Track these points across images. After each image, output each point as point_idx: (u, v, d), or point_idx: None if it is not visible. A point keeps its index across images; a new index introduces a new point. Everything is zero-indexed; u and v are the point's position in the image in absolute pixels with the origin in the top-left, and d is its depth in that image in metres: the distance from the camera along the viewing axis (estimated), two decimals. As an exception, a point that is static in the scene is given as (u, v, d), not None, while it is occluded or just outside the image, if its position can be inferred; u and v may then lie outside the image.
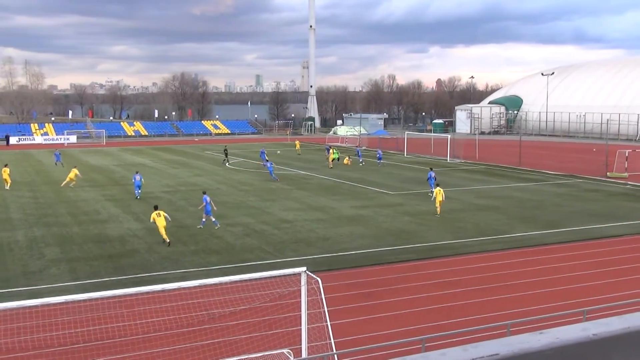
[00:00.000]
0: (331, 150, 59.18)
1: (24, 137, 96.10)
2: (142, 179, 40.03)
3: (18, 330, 15.50)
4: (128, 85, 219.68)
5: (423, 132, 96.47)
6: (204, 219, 30.09)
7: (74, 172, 44.21)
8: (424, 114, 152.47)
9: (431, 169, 41.89)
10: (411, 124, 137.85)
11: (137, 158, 67.51)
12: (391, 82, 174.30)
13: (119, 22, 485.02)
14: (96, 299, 15.58)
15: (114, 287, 19.47)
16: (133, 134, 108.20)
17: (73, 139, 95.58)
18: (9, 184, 43.72)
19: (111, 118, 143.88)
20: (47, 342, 15.25)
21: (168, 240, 26.34)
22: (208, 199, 30.15)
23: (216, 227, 29.49)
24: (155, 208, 27.72)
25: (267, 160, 51.83)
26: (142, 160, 64.02)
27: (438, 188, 33.37)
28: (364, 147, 67.79)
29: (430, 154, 67.90)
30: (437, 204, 32.85)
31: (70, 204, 36.72)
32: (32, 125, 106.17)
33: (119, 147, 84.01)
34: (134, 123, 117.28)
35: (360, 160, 58.20)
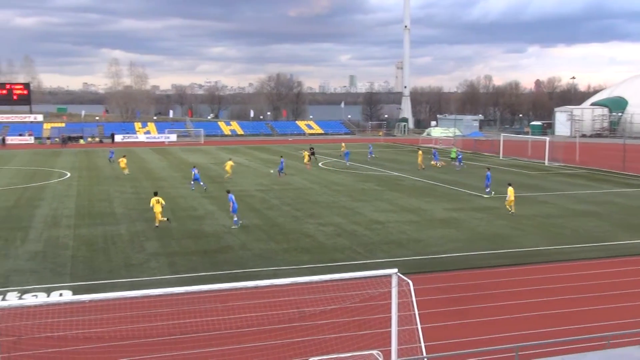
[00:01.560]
0: (447, 152, 58.31)
1: (128, 135, 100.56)
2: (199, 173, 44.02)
3: (119, 320, 16.26)
4: (225, 86, 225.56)
5: (520, 134, 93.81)
6: (235, 219, 30.44)
7: (229, 164, 49.17)
8: (521, 115, 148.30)
9: (488, 169, 42.83)
10: (507, 126, 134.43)
11: (233, 157, 69.20)
12: (487, 82, 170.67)
13: (218, 24, 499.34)
14: (193, 293, 16.11)
15: (209, 281, 20.06)
16: (230, 133, 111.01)
17: (173, 137, 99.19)
18: (126, 171, 51.23)
19: (209, 117, 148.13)
20: (147, 333, 15.92)
21: (165, 219, 30.27)
22: (233, 197, 30.86)
23: (233, 227, 29.90)
24: (155, 194, 31.08)
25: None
26: (237, 159, 65.61)
27: (510, 187, 33.91)
28: (457, 149, 66.48)
29: (527, 156, 65.93)
30: (510, 203, 33.61)
31: (170, 200, 38.07)
32: (135, 123, 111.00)
33: (216, 146, 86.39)
34: (231, 122, 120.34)
35: (437, 164, 56.85)
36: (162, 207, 30.61)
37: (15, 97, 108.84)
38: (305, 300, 17.41)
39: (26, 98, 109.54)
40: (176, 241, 27.24)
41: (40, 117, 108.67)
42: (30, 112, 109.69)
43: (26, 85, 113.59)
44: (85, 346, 15.14)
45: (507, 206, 33.84)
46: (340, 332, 16.29)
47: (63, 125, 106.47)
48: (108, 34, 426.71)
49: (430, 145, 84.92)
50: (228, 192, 32.30)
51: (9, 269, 22.66)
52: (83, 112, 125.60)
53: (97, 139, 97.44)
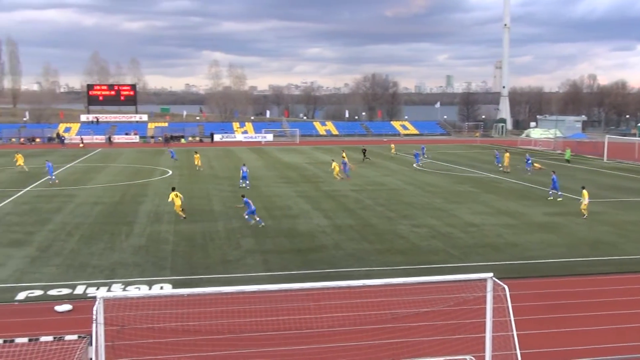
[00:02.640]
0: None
1: (226, 134, 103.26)
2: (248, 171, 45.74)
3: (215, 314, 16.71)
4: (321, 86, 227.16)
5: (626, 136, 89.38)
6: (257, 219, 30.46)
7: (335, 166, 49.43)
8: (627, 116, 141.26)
9: (554, 172, 41.12)
10: (613, 127, 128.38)
11: (327, 157, 69.68)
12: (592, 82, 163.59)
13: (315, 25, 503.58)
14: (286, 291, 16.38)
15: (302, 280, 20.32)
16: (325, 133, 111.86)
17: (270, 137, 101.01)
18: (200, 167, 55.56)
19: (304, 118, 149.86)
20: (241, 328, 16.29)
21: (184, 216, 31.87)
22: (249, 200, 30.87)
23: (261, 225, 30.10)
24: (173, 189, 33.00)
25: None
26: (330, 159, 65.99)
27: (584, 191, 32.83)
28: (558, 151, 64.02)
29: (634, 159, 62.79)
30: (584, 207, 32.63)
31: (265, 199, 38.81)
32: (233, 123, 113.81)
33: (311, 146, 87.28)
34: (326, 123, 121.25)
35: (528, 170, 53.98)
36: (181, 200, 32.38)
37: (122, 97, 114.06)
38: (398, 301, 17.30)
39: (132, 99, 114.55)
40: (271, 239, 27.72)
41: (145, 117, 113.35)
42: (136, 112, 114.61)
43: (133, 87, 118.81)
44: (183, 338, 15.66)
45: (582, 210, 32.65)
46: (432, 335, 16.08)
47: (166, 125, 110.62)
48: (209, 37, 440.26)
49: (529, 147, 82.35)
50: (243, 196, 32.09)
51: (115, 262, 23.78)
52: (184, 113, 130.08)
53: (197, 139, 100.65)
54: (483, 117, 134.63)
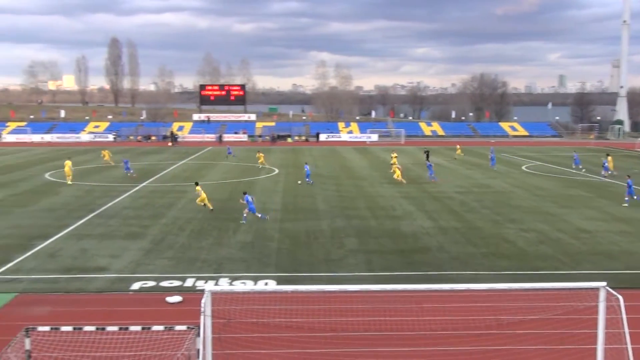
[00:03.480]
0: None
1: (331, 134, 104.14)
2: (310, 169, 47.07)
3: (318, 312, 16.88)
4: (428, 86, 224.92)
5: None
6: (260, 215, 31.39)
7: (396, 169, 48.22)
8: None
9: (629, 177, 38.80)
10: None
11: (433, 158, 68.80)
12: None
13: (423, 25, 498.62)
14: (388, 292, 16.31)
15: (405, 281, 20.18)
16: (430, 133, 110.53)
17: (374, 137, 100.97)
18: (263, 164, 57.17)
19: (410, 118, 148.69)
20: (342, 327, 16.37)
21: (212, 208, 33.62)
22: (250, 197, 31.62)
23: (263, 219, 31.38)
24: (197, 184, 34.82)
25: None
26: (436, 160, 65.10)
27: None
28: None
29: None
30: None
31: (369, 199, 38.82)
32: (339, 123, 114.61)
33: (416, 147, 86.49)
34: (432, 123, 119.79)
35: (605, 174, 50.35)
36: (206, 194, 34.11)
37: (232, 97, 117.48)
38: (503, 307, 16.82)
39: (242, 99, 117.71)
40: (374, 239, 27.69)
41: (253, 117, 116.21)
42: (245, 111, 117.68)
43: (242, 87, 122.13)
44: (286, 334, 15.91)
45: None
46: (539, 344, 15.53)
47: (273, 124, 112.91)
48: (317, 37, 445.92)
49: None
50: (245, 193, 32.63)
51: (222, 257, 24.53)
52: (291, 112, 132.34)
53: (303, 138, 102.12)
54: (598, 118, 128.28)
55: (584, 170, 55.17)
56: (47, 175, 50.94)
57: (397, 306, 17.43)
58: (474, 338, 15.95)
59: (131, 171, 50.94)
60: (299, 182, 46.94)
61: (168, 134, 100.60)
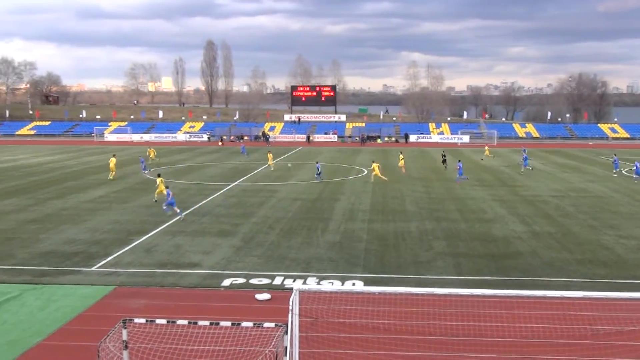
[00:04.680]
0: None
1: (421, 135, 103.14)
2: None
3: (405, 315, 16.76)
4: (522, 87, 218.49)
5: None
6: (178, 210, 32.54)
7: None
8: None
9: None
10: None
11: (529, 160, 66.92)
12: None
13: (519, 23, 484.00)
14: (477, 296, 15.99)
15: (495, 286, 19.71)
16: (524, 135, 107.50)
17: (466, 138, 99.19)
18: (271, 165, 56.54)
19: (503, 119, 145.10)
20: (429, 330, 16.18)
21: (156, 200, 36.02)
22: (171, 193, 33.18)
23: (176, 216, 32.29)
24: (159, 176, 37.94)
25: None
26: (530, 163, 63.28)
27: None
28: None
29: None
30: None
31: (459, 201, 38.17)
32: (429, 124, 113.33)
33: (509, 149, 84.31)
34: (526, 124, 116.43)
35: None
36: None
37: (323, 98, 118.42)
38: (598, 317, 16.15)
39: (332, 99, 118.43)
40: (464, 242, 27.21)
41: (343, 117, 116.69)
42: (335, 112, 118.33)
43: (333, 88, 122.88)
44: (372, 335, 15.90)
45: None
46: (637, 357, 14.79)
47: (363, 125, 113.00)
48: (408, 37, 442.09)
49: None
50: (167, 187, 34.54)
51: (311, 256, 24.76)
52: (382, 113, 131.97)
53: (392, 139, 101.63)
54: None
55: None
56: (146, 174, 53.00)
57: (486, 311, 17.06)
58: (567, 347, 15.39)
59: (147, 171, 52.80)
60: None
61: (260, 134, 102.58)
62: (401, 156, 56.91)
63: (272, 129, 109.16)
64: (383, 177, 47.78)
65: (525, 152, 60.26)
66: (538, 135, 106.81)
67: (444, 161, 58.82)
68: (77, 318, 17.78)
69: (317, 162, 51.23)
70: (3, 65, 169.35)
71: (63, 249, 25.94)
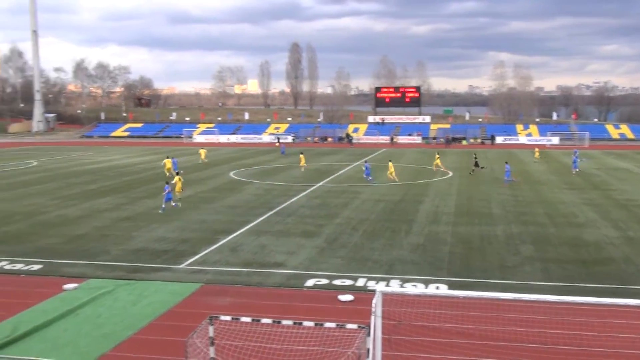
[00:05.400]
0: None
1: (508, 137, 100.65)
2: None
3: (489, 320, 16.41)
4: (616, 86, 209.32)
5: None
6: (173, 204, 35.85)
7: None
8: None
9: None
10: None
11: (620, 162, 64.15)
12: None
13: (612, 20, 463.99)
14: (567, 303, 15.44)
15: (585, 293, 18.98)
16: (618, 137, 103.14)
17: (555, 140, 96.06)
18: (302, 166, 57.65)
19: (595, 120, 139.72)
20: (514, 337, 15.78)
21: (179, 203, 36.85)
22: (169, 188, 35.81)
23: (173, 206, 35.73)
24: (177, 173, 41.01)
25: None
26: (625, 165, 60.61)
27: None
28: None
29: None
30: None
31: (548, 205, 37.03)
32: (516, 125, 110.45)
33: (601, 150, 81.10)
34: (620, 126, 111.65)
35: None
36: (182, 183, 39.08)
37: (407, 99, 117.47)
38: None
39: (417, 100, 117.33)
40: (553, 247, 26.36)
41: (427, 119, 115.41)
42: (420, 113, 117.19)
43: (417, 89, 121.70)
44: (456, 340, 15.66)
45: None
46: None
47: (448, 126, 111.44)
48: (495, 37, 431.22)
49: None
50: (167, 182, 37.23)
51: (394, 258, 24.64)
52: (467, 114, 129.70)
53: (478, 140, 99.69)
54: None
55: None
56: (231, 174, 54.21)
57: (576, 319, 16.46)
58: (664, 360, 14.66)
59: (181, 171, 52.83)
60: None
61: (344, 135, 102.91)
62: (437, 156, 58.23)
63: (355, 130, 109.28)
64: (395, 177, 48.71)
65: (576, 154, 57.45)
66: (633, 137, 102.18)
67: (476, 164, 55.99)
68: (166, 313, 18.39)
69: (365, 162, 50.71)
70: (99, 70, 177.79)
71: (154, 246, 26.90)
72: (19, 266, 23.76)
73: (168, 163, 54.10)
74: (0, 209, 36.96)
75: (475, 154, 60.79)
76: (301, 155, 59.53)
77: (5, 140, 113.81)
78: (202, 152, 67.36)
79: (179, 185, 38.51)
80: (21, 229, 31.01)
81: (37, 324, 17.33)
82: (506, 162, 51.48)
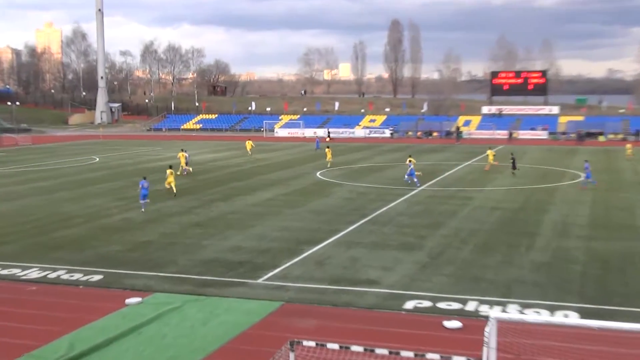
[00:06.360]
0: None
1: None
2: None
3: (629, 358, 15.74)
4: None
5: None
6: (142, 202, 37.61)
7: None
8: None
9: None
10: None
11: None
12: None
13: None
14: None
15: None
16: None
17: None
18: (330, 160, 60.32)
19: None
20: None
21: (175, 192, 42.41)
22: (145, 184, 37.61)
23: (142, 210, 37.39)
24: (170, 167, 44.31)
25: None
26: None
27: None
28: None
29: None
30: None
31: None
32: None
33: None
34: None
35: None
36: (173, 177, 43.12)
37: (530, 86, 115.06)
38: None
39: (542, 87, 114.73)
40: None
41: (555, 109, 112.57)
42: (546, 103, 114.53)
43: (543, 73, 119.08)
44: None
45: None
46: None
47: (581, 118, 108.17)
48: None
49: None
50: (144, 177, 39.14)
51: (511, 278, 24.07)
52: (604, 104, 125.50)
53: (619, 136, 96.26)
54: None
55: None
56: (318, 174, 54.66)
57: None
58: None
59: (190, 169, 55.84)
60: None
61: (452, 129, 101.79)
62: (491, 152, 58.01)
63: (466, 123, 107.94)
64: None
65: None
66: None
67: (514, 165, 54.08)
68: (240, 336, 18.66)
69: (409, 160, 49.47)
70: (170, 53, 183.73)
71: (227, 257, 27.42)
72: (77, 276, 24.77)
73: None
74: (58, 210, 38.77)
75: (512, 153, 58.69)
76: (327, 149, 61.48)
77: (65, 133, 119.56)
78: (249, 143, 70.66)
79: (170, 179, 42.32)
80: (81, 233, 32.37)
81: (96, 342, 17.96)
82: (586, 160, 50.19)
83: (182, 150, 58.67)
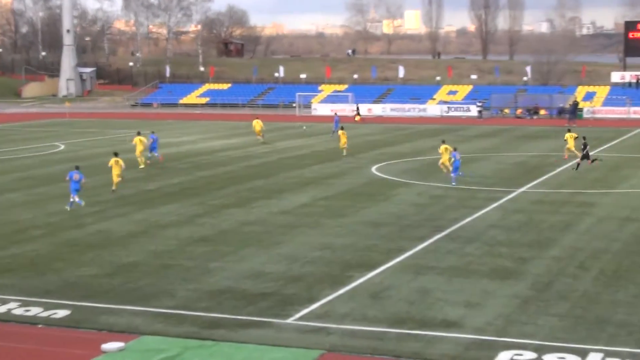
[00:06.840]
0: None
1: None
2: None
3: None
4: None
5: None
6: (71, 199, 39.48)
7: None
8: None
9: None
10: None
11: None
12: None
13: None
14: None
15: None
16: None
17: None
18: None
19: None
20: None
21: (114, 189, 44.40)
22: (75, 174, 39.74)
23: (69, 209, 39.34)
24: (115, 155, 45.21)
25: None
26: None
27: None
28: None
29: None
30: None
31: None
32: None
33: None
34: None
35: None
36: (122, 169, 44.96)
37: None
38: None
39: None
40: None
41: None
42: None
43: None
44: None
45: None
46: None
47: None
48: None
49: None
50: (77, 167, 41.13)
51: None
52: None
53: None
54: None
55: None
56: (373, 169, 54.55)
57: None
58: None
59: (157, 155, 57.38)
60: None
61: (569, 104, 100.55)
62: (571, 135, 57.89)
63: (588, 96, 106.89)
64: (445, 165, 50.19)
65: None
66: None
67: (586, 154, 53.37)
68: (263, 398, 18.76)
69: (454, 150, 48.90)
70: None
71: (244, 286, 27.49)
72: (34, 311, 24.88)
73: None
74: (8, 218, 39.14)
75: (584, 138, 56.54)
76: (341, 132, 62.11)
77: (18, 109, 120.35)
78: (257, 124, 70.15)
79: (115, 170, 44.18)
80: (40, 251, 32.62)
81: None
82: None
83: (139, 133, 59.01)
